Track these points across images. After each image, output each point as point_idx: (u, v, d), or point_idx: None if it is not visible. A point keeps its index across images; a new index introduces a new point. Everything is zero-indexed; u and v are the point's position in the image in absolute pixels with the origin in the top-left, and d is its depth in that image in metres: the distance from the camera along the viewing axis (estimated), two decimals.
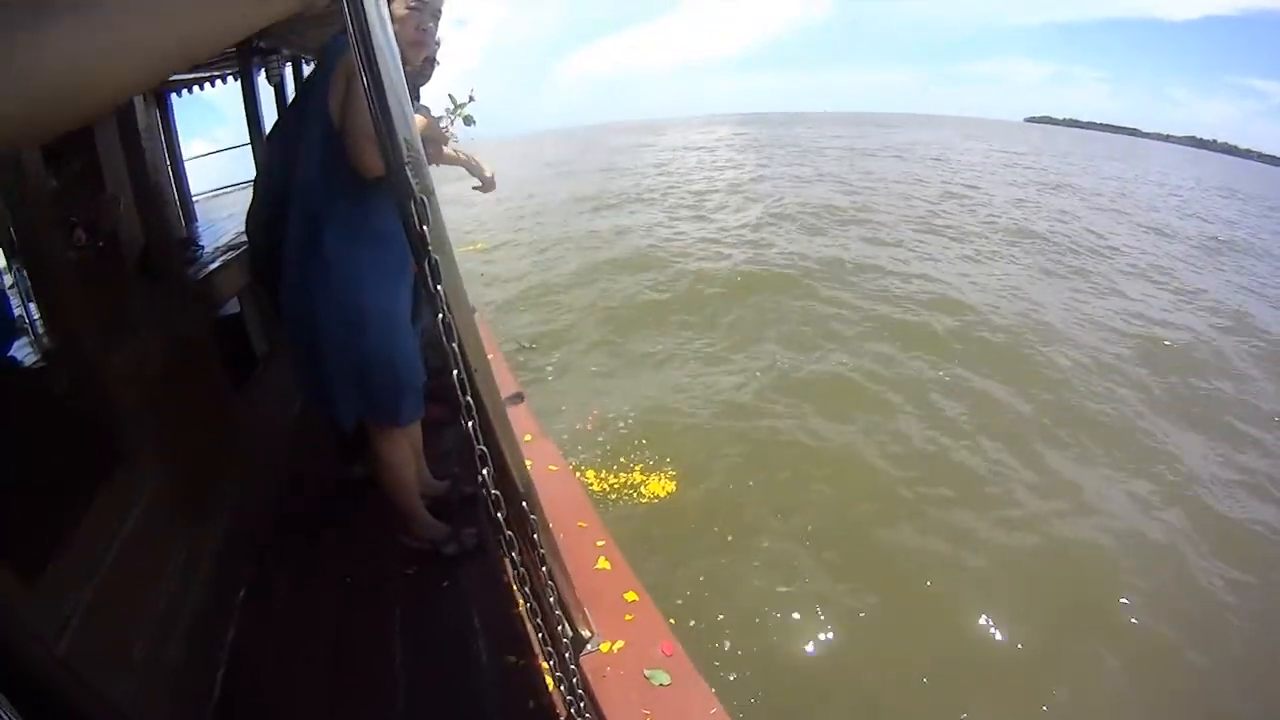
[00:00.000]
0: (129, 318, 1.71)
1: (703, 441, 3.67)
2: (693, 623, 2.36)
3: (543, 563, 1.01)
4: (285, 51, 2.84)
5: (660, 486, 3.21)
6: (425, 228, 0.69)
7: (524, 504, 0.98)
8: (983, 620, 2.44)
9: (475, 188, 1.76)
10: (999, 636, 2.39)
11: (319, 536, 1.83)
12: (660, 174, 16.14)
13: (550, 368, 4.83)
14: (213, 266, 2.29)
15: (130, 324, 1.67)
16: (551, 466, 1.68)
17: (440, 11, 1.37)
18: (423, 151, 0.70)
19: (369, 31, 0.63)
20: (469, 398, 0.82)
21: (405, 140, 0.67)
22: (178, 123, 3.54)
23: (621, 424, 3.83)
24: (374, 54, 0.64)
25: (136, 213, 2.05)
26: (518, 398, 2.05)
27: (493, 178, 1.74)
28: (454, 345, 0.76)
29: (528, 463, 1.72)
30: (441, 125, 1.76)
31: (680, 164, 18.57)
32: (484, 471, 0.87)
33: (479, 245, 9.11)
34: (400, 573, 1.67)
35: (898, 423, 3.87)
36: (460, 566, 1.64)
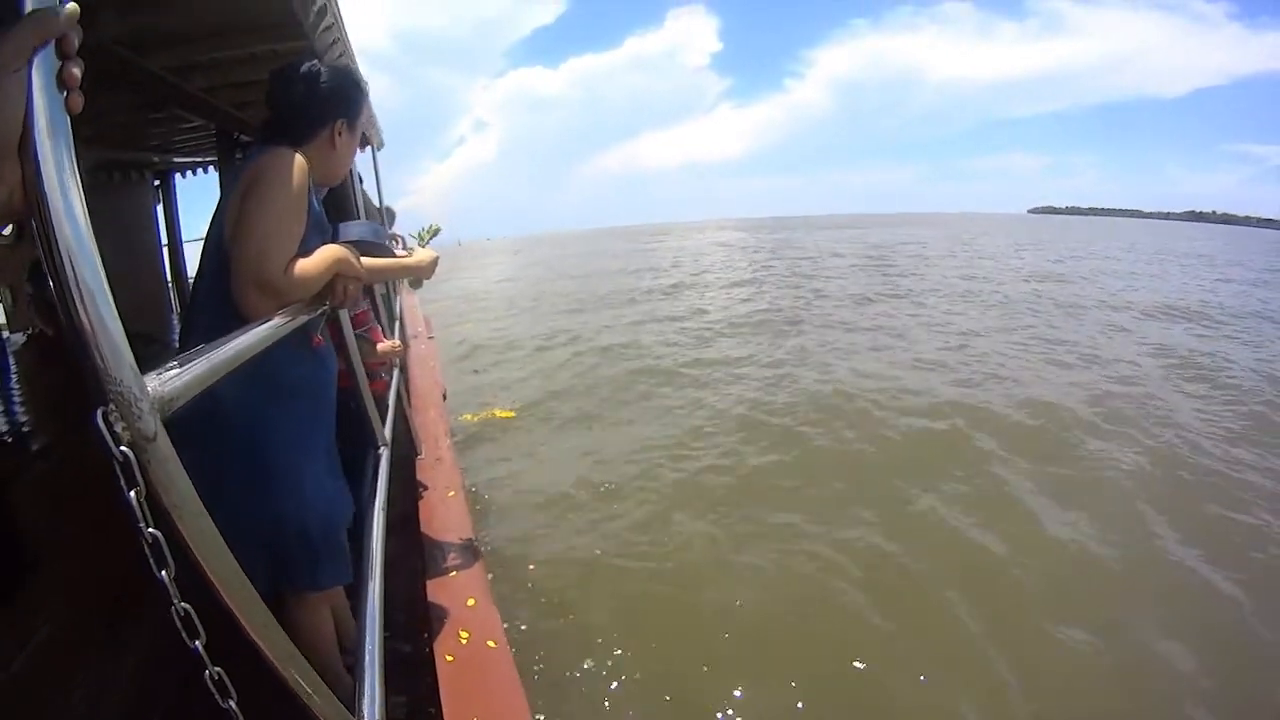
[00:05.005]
0: (53, 423, 1.60)
1: None
2: None
3: None
4: None
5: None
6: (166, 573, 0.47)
7: None
8: None
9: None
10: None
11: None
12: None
13: None
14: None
15: (52, 428, 1.56)
16: (491, 642, 1.42)
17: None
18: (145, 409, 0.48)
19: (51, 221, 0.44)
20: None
21: (104, 376, 0.46)
22: (188, 200, 3.55)
23: None
24: (64, 254, 0.44)
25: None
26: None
27: (430, 264, 1.49)
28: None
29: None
30: (407, 245, 1.60)
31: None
32: None
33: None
34: None
35: None
36: None
